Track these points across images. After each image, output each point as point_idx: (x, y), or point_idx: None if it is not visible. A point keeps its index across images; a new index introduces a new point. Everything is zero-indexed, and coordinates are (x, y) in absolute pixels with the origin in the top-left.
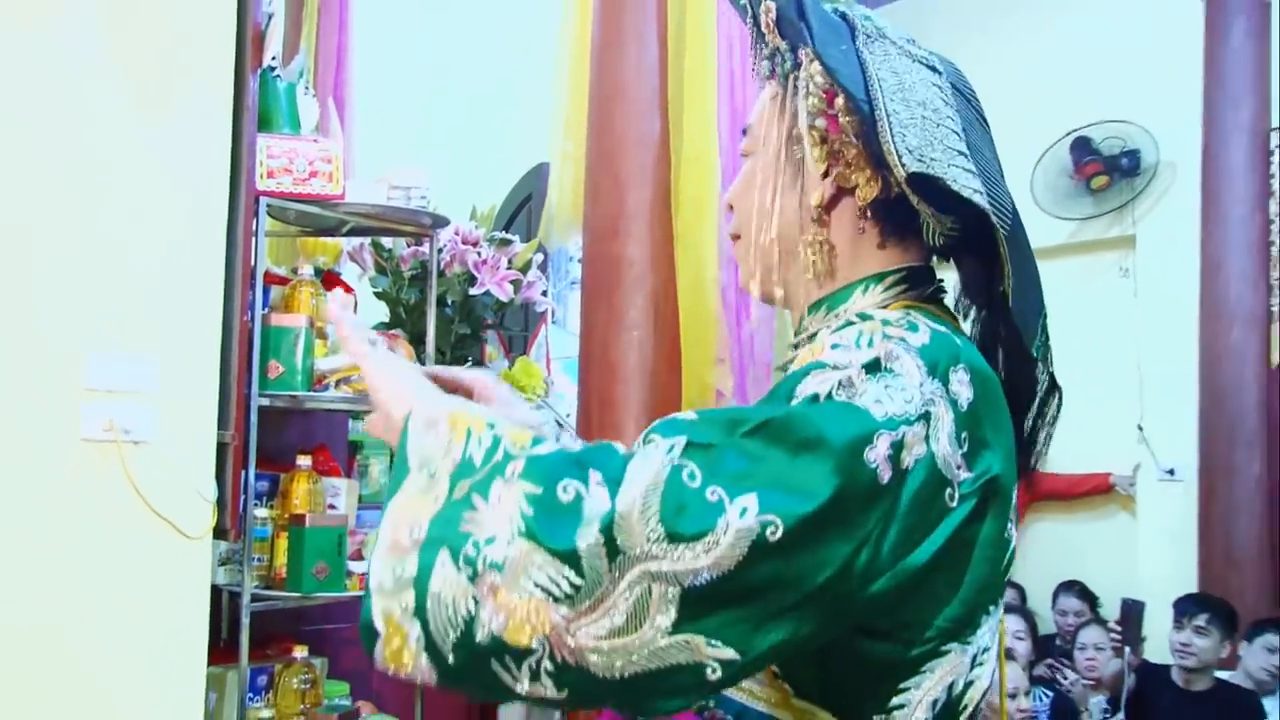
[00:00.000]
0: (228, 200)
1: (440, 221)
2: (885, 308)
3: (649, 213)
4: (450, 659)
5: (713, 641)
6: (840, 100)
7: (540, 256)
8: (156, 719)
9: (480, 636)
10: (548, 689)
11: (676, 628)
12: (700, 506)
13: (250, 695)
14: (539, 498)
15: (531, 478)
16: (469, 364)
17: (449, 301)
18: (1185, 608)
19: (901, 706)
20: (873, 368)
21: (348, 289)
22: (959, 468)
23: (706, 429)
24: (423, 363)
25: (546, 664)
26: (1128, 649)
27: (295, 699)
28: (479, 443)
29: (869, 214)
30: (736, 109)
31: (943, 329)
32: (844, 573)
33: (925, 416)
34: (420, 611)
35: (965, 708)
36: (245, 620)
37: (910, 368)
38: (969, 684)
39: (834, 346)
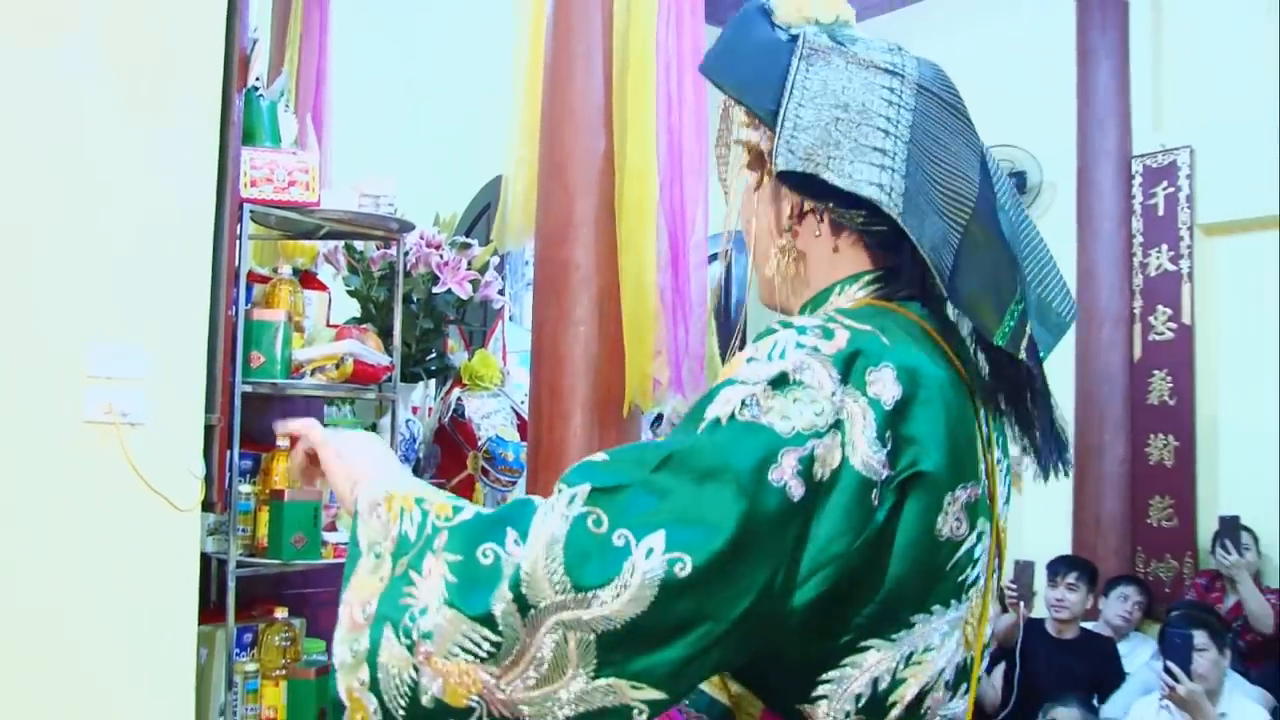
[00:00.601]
0: (214, 206)
1: (406, 226)
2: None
3: (595, 220)
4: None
5: (636, 685)
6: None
7: (497, 259)
8: (153, 672)
9: (425, 701)
10: None
11: (598, 673)
12: (605, 553)
13: (237, 651)
14: (461, 565)
15: (454, 547)
16: (433, 355)
17: (414, 299)
18: (1057, 568)
19: (824, 698)
20: (779, 382)
21: (322, 287)
22: (883, 466)
23: (615, 470)
24: (389, 353)
25: None
26: (1022, 604)
27: (277, 655)
28: (411, 520)
29: (827, 219)
30: (673, 126)
31: (866, 329)
32: (764, 595)
33: (838, 425)
34: (374, 685)
35: (894, 704)
36: (231, 584)
37: (822, 378)
38: (899, 681)
39: (748, 360)
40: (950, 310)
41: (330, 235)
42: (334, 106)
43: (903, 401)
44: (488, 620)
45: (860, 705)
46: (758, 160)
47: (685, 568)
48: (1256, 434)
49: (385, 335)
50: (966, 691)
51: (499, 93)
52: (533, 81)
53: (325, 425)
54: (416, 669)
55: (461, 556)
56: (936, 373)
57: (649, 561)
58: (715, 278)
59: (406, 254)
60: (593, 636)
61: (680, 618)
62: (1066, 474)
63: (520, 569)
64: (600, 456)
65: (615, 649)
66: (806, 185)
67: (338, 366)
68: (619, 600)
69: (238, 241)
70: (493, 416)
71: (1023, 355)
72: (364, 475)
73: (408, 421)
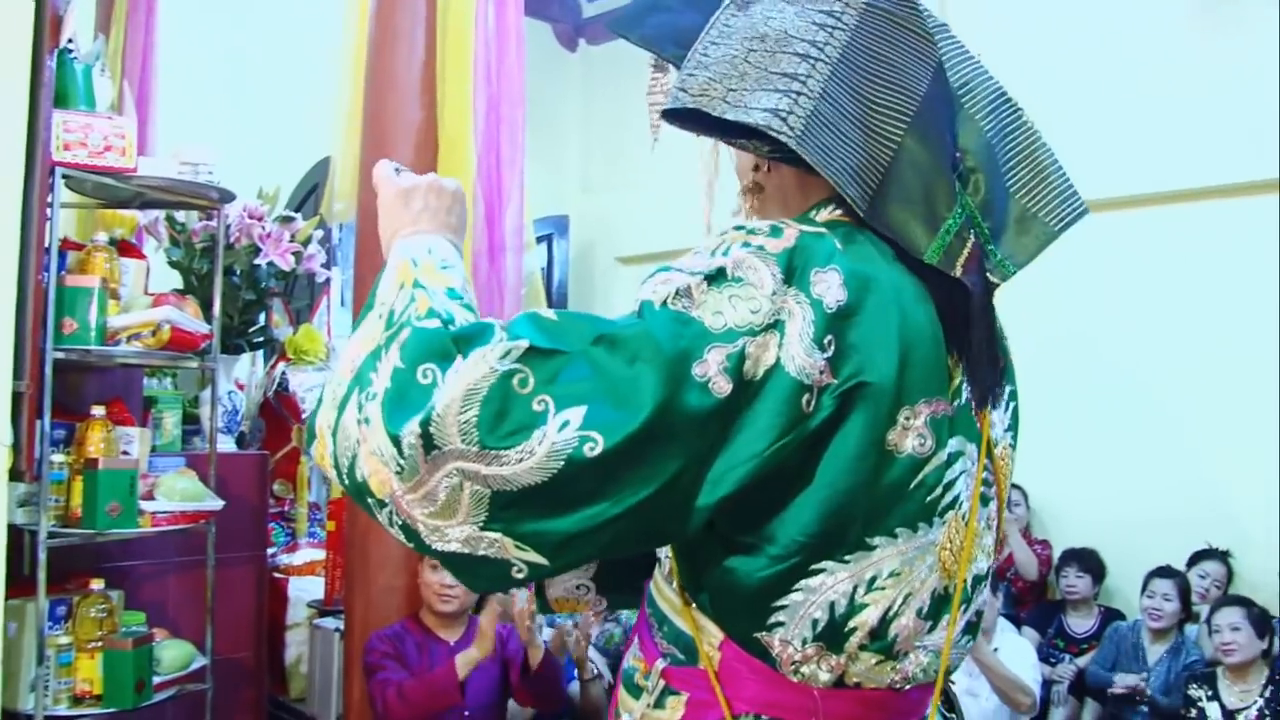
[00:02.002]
0: (23, 169)
1: (227, 196)
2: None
3: None
4: (345, 481)
5: (521, 545)
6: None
7: (320, 232)
8: None
9: (358, 476)
10: (400, 538)
11: (486, 525)
12: (520, 415)
13: (50, 624)
14: (401, 375)
15: (404, 353)
16: (255, 327)
17: (236, 271)
18: None
19: (780, 624)
20: (716, 278)
21: (140, 255)
22: (821, 372)
23: (558, 334)
24: (209, 323)
25: (395, 518)
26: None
27: (93, 627)
28: (401, 299)
29: (773, 164)
30: (493, 97)
31: (819, 231)
32: (670, 487)
33: (776, 325)
34: (335, 432)
35: (854, 630)
36: (42, 556)
37: (763, 276)
38: (859, 606)
39: (694, 253)
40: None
41: (149, 204)
42: (162, 81)
43: (849, 306)
44: (397, 442)
45: (818, 632)
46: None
47: (596, 448)
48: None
49: (206, 306)
50: (948, 623)
51: (328, 72)
52: (359, 56)
53: (145, 396)
54: (358, 444)
55: (405, 366)
56: (894, 282)
57: (561, 434)
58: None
59: (228, 226)
60: (488, 492)
61: (578, 494)
62: (994, 406)
63: (434, 409)
64: (550, 315)
65: (507, 508)
66: (699, 123)
67: (154, 333)
68: (521, 465)
69: (49, 206)
70: (317, 390)
71: (957, 273)
72: (411, 226)
73: (230, 393)
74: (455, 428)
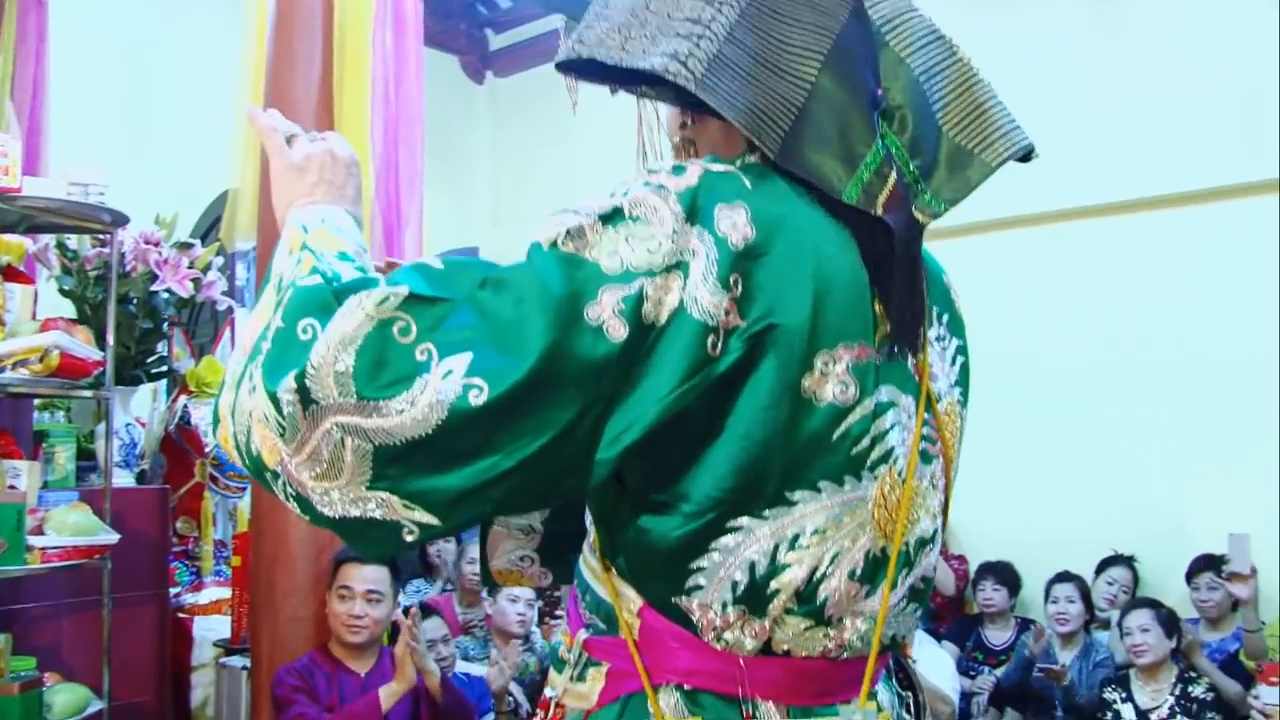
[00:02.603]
0: None
1: (120, 219)
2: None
3: None
4: (245, 460)
5: (409, 504)
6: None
7: (220, 259)
8: None
9: (253, 448)
10: (296, 510)
11: (372, 485)
12: (401, 364)
13: None
14: (282, 333)
15: (287, 312)
16: (154, 357)
17: (132, 298)
18: None
19: (699, 587)
20: (612, 218)
21: (28, 280)
22: (727, 313)
23: (443, 281)
24: (102, 348)
25: (289, 489)
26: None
27: None
28: (288, 263)
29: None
30: (391, 118)
31: (729, 170)
32: (565, 437)
33: (679, 266)
34: (234, 411)
35: (777, 592)
36: None
37: (664, 215)
38: (780, 567)
39: (593, 196)
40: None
41: (37, 228)
42: (55, 112)
43: (756, 245)
44: (275, 401)
45: (738, 594)
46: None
47: (481, 395)
48: None
49: (100, 335)
50: (885, 587)
51: (227, 98)
52: (257, 80)
53: (36, 430)
54: (250, 415)
55: (285, 325)
56: (810, 223)
57: (445, 383)
58: None
59: (123, 253)
60: (370, 447)
61: (466, 446)
62: (913, 354)
63: (309, 362)
64: (435, 262)
65: (392, 464)
66: (600, 75)
67: (41, 359)
68: (402, 416)
69: None
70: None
71: (878, 211)
72: (306, 198)
73: (128, 426)
74: (331, 379)
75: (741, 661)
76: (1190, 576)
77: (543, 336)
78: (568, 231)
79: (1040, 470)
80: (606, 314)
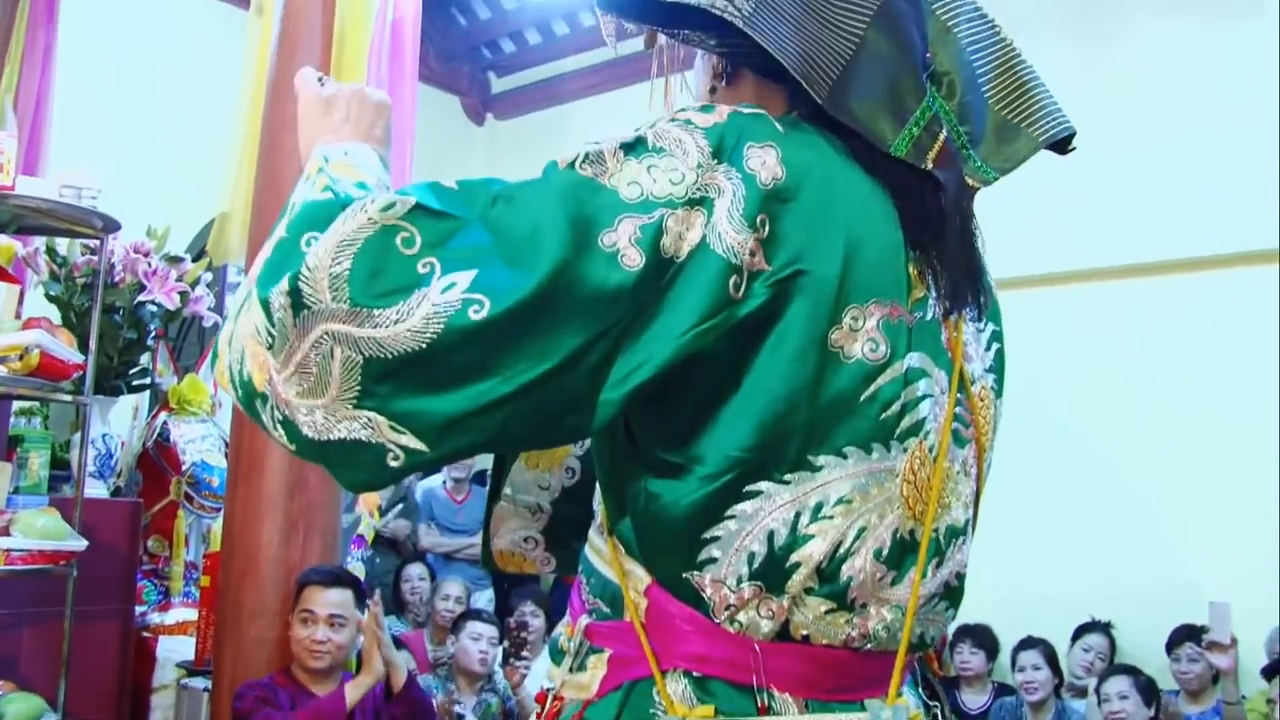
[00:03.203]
0: None
1: (111, 225)
2: None
3: None
4: (237, 391)
5: (397, 426)
6: None
7: (209, 275)
8: None
9: (245, 373)
10: (283, 439)
11: (359, 403)
12: (400, 274)
13: None
14: (284, 243)
15: (289, 224)
16: (135, 369)
17: (118, 308)
18: None
19: (713, 560)
20: (634, 147)
21: (14, 280)
22: (753, 254)
23: (455, 200)
24: (84, 353)
25: (276, 413)
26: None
27: None
28: (308, 187)
29: (726, 70)
30: None
31: (759, 113)
32: (569, 366)
33: (702, 201)
34: (230, 340)
35: (797, 566)
36: None
37: (689, 147)
38: (801, 538)
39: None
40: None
41: (29, 229)
42: (56, 128)
43: (786, 187)
44: (267, 308)
45: (755, 568)
46: (651, 40)
47: (481, 310)
48: None
49: (84, 343)
50: (915, 575)
51: (225, 120)
52: (257, 99)
53: (11, 435)
54: (243, 336)
55: (288, 236)
56: (843, 173)
57: (444, 296)
58: None
59: (112, 264)
60: (360, 358)
61: (462, 366)
62: (968, 309)
63: (304, 263)
64: (449, 182)
65: (382, 380)
66: (634, 14)
67: (21, 358)
68: (396, 326)
69: None
70: (199, 442)
71: (928, 165)
72: (332, 134)
73: (105, 436)
74: (325, 282)
75: (756, 647)
76: (1170, 647)
77: (553, 256)
78: (587, 155)
79: (1020, 533)
80: (623, 242)
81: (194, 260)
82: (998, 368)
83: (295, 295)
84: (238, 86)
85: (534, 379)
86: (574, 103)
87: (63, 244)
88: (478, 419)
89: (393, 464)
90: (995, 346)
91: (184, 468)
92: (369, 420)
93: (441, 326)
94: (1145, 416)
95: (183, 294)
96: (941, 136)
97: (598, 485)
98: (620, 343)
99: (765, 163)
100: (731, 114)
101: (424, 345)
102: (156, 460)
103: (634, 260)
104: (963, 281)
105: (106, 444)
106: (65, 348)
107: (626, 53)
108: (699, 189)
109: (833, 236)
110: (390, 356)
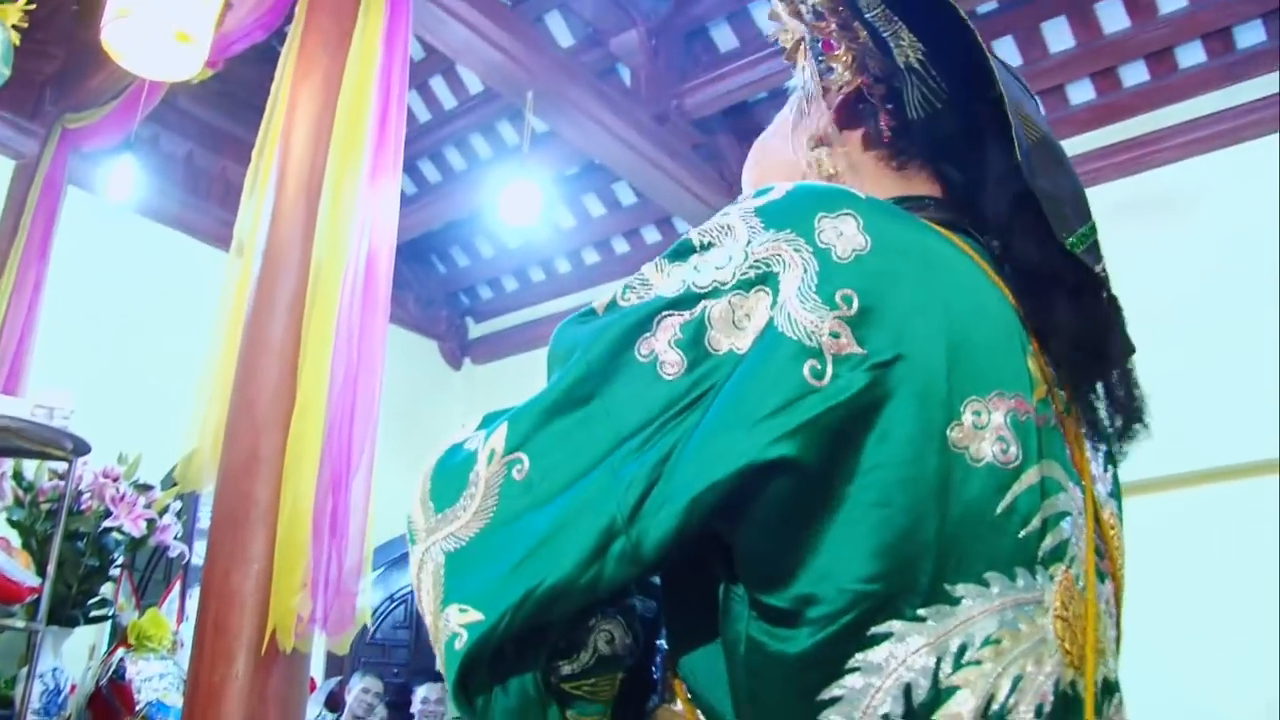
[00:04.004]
0: None
1: (82, 446)
2: None
3: (278, 458)
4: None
5: (464, 607)
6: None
7: (178, 504)
8: None
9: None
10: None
11: (443, 603)
12: (460, 462)
13: None
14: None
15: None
16: (96, 599)
17: (82, 535)
18: None
19: None
20: (680, 253)
21: None
22: (836, 335)
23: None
24: (42, 578)
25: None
26: None
27: None
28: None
29: (883, 119)
30: (351, 365)
31: (829, 185)
32: (604, 489)
33: (763, 280)
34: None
35: None
36: None
37: (737, 228)
38: (945, 692)
39: None
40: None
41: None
42: (38, 358)
43: (871, 259)
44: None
45: None
46: (796, 49)
47: (523, 467)
48: None
49: (43, 569)
50: None
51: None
52: (233, 333)
53: None
54: None
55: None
56: (944, 250)
57: (490, 466)
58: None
59: (80, 491)
60: (442, 559)
61: (517, 520)
62: (1136, 436)
63: (412, 500)
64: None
65: (455, 573)
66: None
67: None
68: (468, 512)
69: None
70: (156, 680)
71: (1100, 271)
72: None
73: (55, 670)
74: (419, 506)
75: None
76: None
77: (580, 367)
78: (626, 286)
79: None
80: (660, 346)
81: (164, 489)
82: (1117, 494)
83: (410, 528)
84: (213, 321)
85: (561, 519)
86: (547, 348)
87: (31, 467)
88: (524, 565)
89: (459, 647)
90: (1111, 470)
91: (138, 707)
92: (447, 618)
93: (498, 495)
94: (1150, 628)
95: (149, 521)
96: (1103, 258)
97: (663, 646)
98: (669, 459)
99: (843, 233)
100: (794, 188)
101: (490, 522)
102: (109, 698)
103: (675, 367)
104: (1129, 400)
105: (56, 679)
106: (21, 569)
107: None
108: (753, 267)
109: (935, 316)
110: (466, 541)
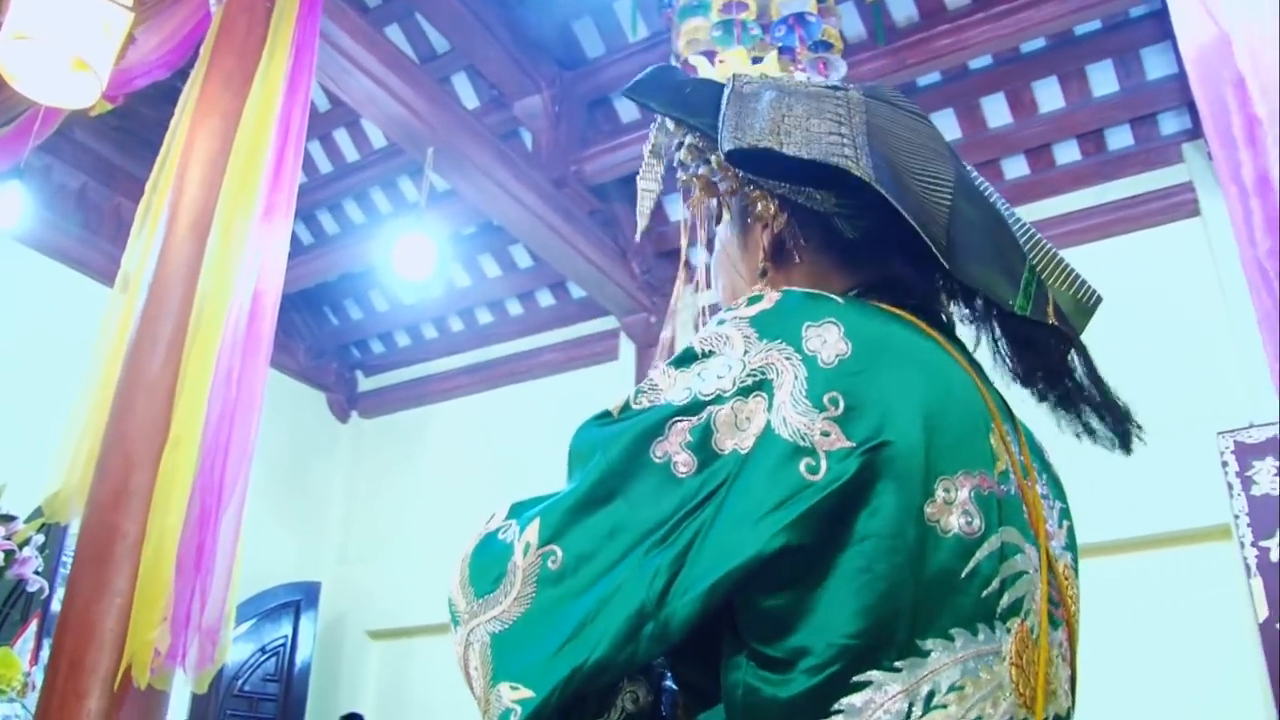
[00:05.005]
0: None
1: None
2: None
3: (148, 493)
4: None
5: (515, 685)
6: (712, 154)
7: (41, 538)
8: None
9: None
10: None
11: (493, 681)
12: (498, 552)
13: None
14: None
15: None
16: None
17: None
18: None
19: None
20: (683, 360)
21: None
22: (825, 434)
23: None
24: None
25: None
26: None
27: None
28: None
29: (801, 242)
30: (229, 399)
31: (811, 292)
32: (633, 578)
33: (760, 386)
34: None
35: None
36: None
37: (734, 339)
38: None
39: None
40: (950, 305)
41: None
42: None
43: (853, 362)
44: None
45: None
46: (708, 190)
47: (557, 560)
48: None
49: None
50: None
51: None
52: (111, 366)
53: None
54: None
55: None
56: (911, 344)
57: (526, 557)
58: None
59: None
60: (488, 640)
61: (551, 604)
62: (1138, 440)
63: (449, 587)
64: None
65: (501, 653)
66: (761, 168)
67: None
68: (507, 598)
69: None
70: None
71: (1053, 320)
72: None
73: None
74: (459, 591)
75: None
76: None
77: (598, 470)
78: (638, 390)
79: None
80: (673, 449)
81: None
82: (1071, 546)
83: (452, 613)
84: (92, 355)
85: (598, 601)
86: (438, 404)
87: None
88: (566, 647)
89: None
90: (1066, 524)
91: None
92: (499, 694)
93: (535, 585)
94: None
95: (8, 553)
96: (1052, 295)
97: (671, 687)
98: (682, 554)
99: (826, 341)
100: (782, 298)
101: (529, 608)
102: None
103: (687, 466)
104: (1118, 423)
105: None
106: None
107: (491, 358)
108: (751, 375)
109: (910, 406)
110: (506, 626)
